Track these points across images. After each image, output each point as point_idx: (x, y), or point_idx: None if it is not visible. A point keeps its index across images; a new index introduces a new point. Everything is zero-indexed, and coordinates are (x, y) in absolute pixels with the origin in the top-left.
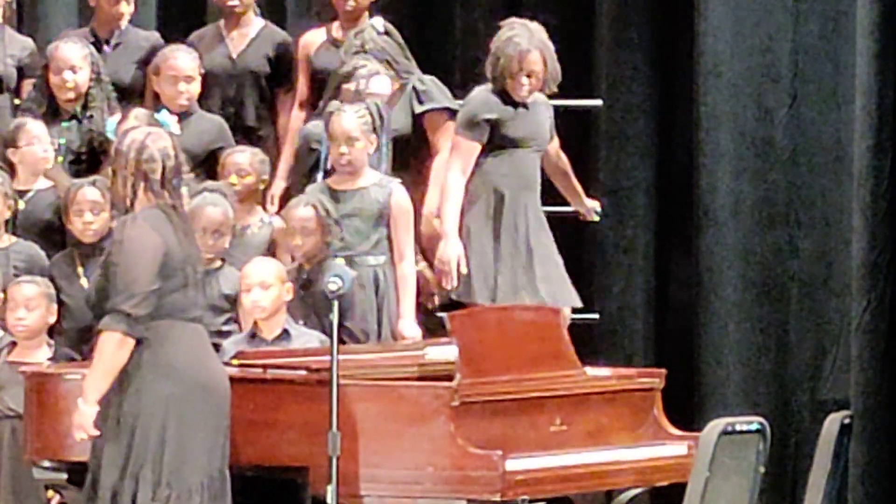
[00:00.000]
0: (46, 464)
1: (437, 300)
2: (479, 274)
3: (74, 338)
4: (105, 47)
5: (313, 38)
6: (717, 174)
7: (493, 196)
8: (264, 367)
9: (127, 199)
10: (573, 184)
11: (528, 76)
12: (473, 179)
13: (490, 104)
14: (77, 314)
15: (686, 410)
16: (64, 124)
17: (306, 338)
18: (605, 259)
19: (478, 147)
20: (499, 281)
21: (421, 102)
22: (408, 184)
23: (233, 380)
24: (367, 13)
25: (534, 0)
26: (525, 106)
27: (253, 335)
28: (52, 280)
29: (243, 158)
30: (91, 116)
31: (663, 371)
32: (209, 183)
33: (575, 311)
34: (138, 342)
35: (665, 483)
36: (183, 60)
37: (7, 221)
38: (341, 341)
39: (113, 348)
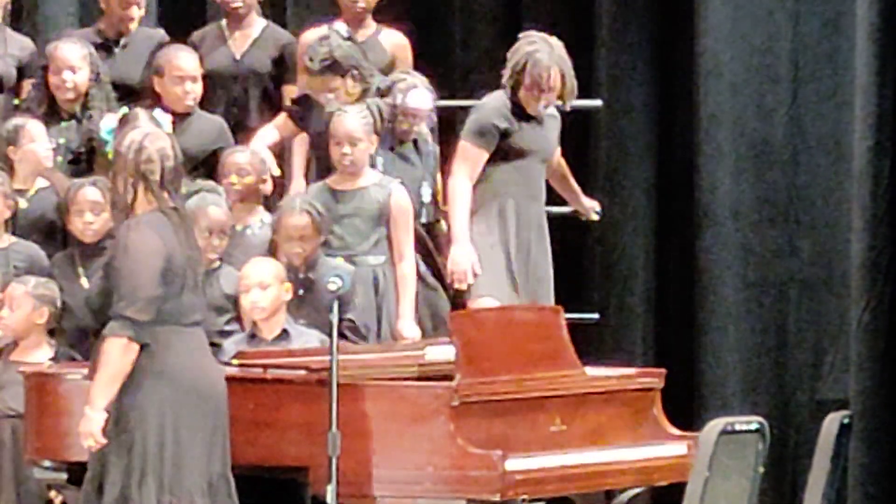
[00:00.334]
0: (46, 464)
1: None
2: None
3: (75, 338)
4: (115, 48)
5: (316, 37)
6: (717, 174)
7: (498, 205)
8: (264, 367)
9: (128, 201)
10: (572, 185)
11: (546, 92)
12: (479, 187)
13: (503, 113)
14: (77, 314)
15: (686, 410)
16: (63, 124)
17: (306, 337)
18: (605, 259)
19: (485, 155)
20: (498, 293)
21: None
22: None
23: (233, 380)
24: (370, 14)
25: (534, 1)
26: (537, 119)
27: (253, 335)
28: (52, 280)
29: (243, 158)
30: (90, 116)
31: (663, 371)
32: (204, 183)
33: (575, 310)
34: (141, 347)
35: (665, 483)
36: (187, 60)
37: (7, 221)
38: (343, 335)
39: (118, 354)
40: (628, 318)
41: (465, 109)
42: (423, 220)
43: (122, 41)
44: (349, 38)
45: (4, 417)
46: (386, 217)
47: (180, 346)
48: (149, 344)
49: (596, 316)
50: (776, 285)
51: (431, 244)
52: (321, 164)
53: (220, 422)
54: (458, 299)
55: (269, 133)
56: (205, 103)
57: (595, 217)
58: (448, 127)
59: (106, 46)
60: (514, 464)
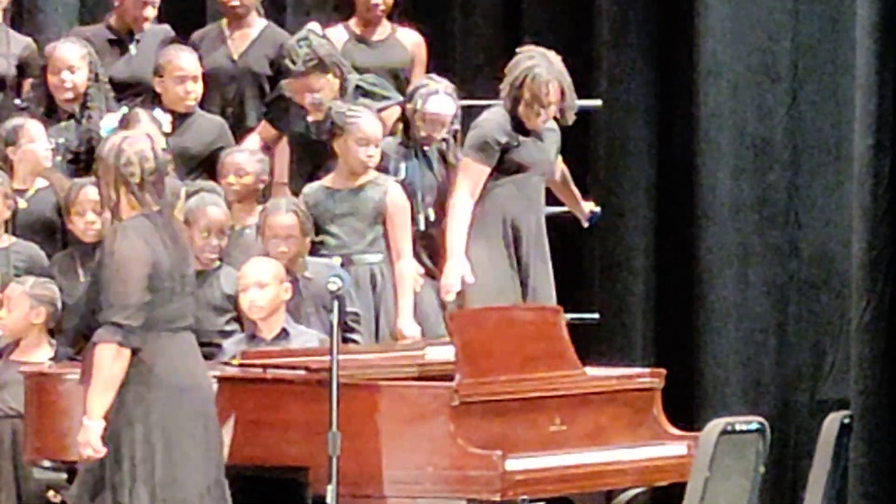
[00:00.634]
0: (46, 464)
1: None
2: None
3: (75, 338)
4: (129, 45)
5: (334, 36)
6: (717, 174)
7: (500, 220)
8: (264, 366)
9: (112, 205)
10: (572, 190)
11: (546, 107)
12: (480, 202)
13: (504, 128)
14: (77, 314)
15: (686, 410)
16: (62, 124)
17: (305, 337)
18: (605, 259)
19: (486, 170)
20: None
21: (372, 99)
22: None
23: (233, 380)
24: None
25: (534, 1)
26: (537, 133)
27: (252, 335)
28: (52, 280)
29: (242, 158)
30: (90, 116)
31: (663, 371)
32: (204, 183)
33: (575, 311)
34: (132, 353)
35: (665, 483)
36: (188, 60)
37: (7, 221)
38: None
39: (110, 360)
40: (628, 318)
41: (465, 109)
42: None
43: (136, 37)
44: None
45: (4, 417)
46: (383, 215)
47: (170, 351)
48: (139, 350)
49: (596, 316)
50: (776, 285)
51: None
52: (304, 165)
53: (212, 427)
54: None
55: (250, 141)
56: (202, 102)
57: (585, 225)
58: None
59: (119, 43)
60: (514, 464)
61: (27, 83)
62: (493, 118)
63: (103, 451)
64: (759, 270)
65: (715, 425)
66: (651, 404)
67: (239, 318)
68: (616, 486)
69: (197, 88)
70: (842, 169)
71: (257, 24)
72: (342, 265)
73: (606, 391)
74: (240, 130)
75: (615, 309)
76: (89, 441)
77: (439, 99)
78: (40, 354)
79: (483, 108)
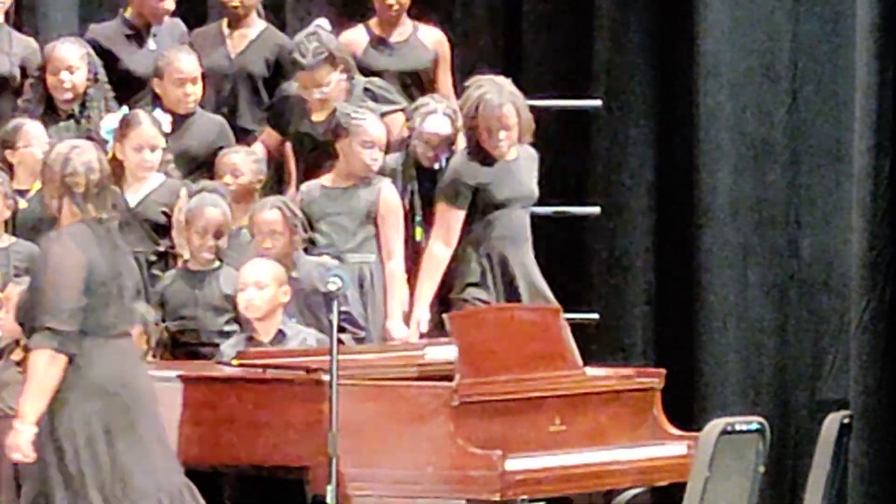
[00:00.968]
0: None
1: None
2: None
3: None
4: (149, 41)
5: (356, 38)
6: (717, 174)
7: (486, 259)
8: (264, 367)
9: (55, 212)
10: None
11: (508, 129)
12: (463, 244)
13: (470, 169)
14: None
15: (686, 410)
16: (62, 124)
17: (303, 335)
18: (605, 259)
19: (461, 214)
20: None
21: (376, 101)
22: None
23: (233, 380)
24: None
25: (533, 1)
26: (508, 164)
27: (250, 338)
28: None
29: (238, 159)
30: (89, 117)
31: (663, 371)
32: (206, 183)
33: (575, 311)
34: (69, 360)
35: (665, 483)
36: (187, 63)
37: (7, 221)
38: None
39: (44, 366)
40: (628, 318)
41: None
42: None
43: (153, 31)
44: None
45: (4, 417)
46: (375, 215)
47: (106, 357)
48: (75, 355)
49: (596, 316)
50: (776, 285)
51: None
52: (307, 164)
53: (156, 430)
54: None
55: (254, 149)
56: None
57: None
58: None
59: (136, 37)
60: (514, 464)
61: (27, 83)
62: (456, 161)
63: (33, 457)
64: (759, 270)
65: (715, 425)
66: (651, 404)
67: (238, 319)
68: (616, 486)
69: (196, 90)
70: (842, 169)
71: (256, 25)
72: None
73: (606, 391)
74: (234, 130)
75: (615, 309)
76: (19, 444)
77: (437, 119)
78: None
79: None
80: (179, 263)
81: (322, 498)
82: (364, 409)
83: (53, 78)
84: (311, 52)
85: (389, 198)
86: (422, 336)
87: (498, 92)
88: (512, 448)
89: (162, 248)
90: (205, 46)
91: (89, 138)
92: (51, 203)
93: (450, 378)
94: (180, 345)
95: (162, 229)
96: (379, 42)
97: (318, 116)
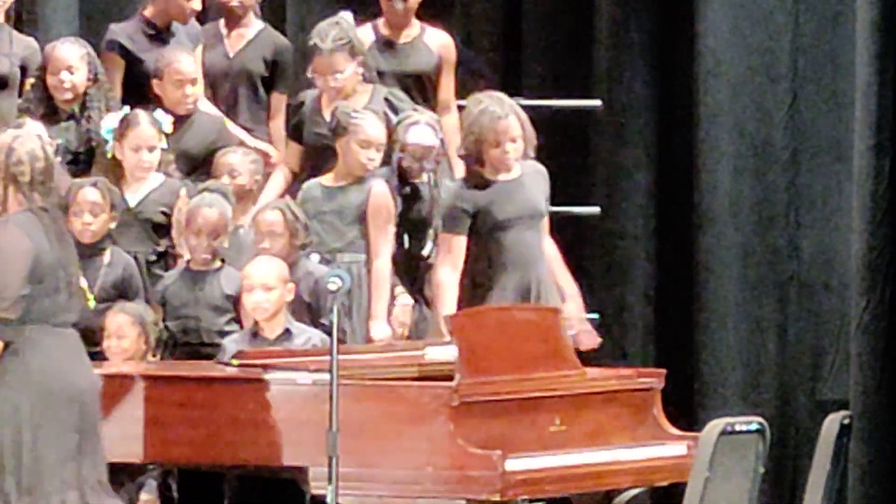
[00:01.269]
0: None
1: None
2: None
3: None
4: (172, 41)
5: (363, 37)
6: (717, 174)
7: (498, 281)
8: (264, 366)
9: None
10: None
11: (512, 142)
12: (475, 268)
13: (464, 195)
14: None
15: (686, 410)
16: (62, 125)
17: (308, 335)
18: (605, 259)
19: (462, 239)
20: None
21: (395, 113)
22: None
23: (232, 380)
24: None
25: (533, 1)
26: (507, 184)
27: (255, 334)
28: None
29: (236, 159)
30: (89, 117)
31: (663, 371)
32: (209, 183)
33: None
34: (5, 346)
35: (665, 483)
36: (187, 64)
37: None
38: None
39: None
40: (628, 318)
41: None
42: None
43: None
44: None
45: None
46: (363, 215)
47: (47, 346)
48: (13, 342)
49: (596, 316)
50: (776, 285)
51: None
52: (315, 162)
53: (88, 426)
54: None
55: (276, 181)
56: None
57: None
58: None
59: (158, 37)
60: (514, 464)
61: (27, 83)
62: (454, 186)
63: None
64: (759, 270)
65: (715, 425)
66: (651, 404)
67: (238, 318)
68: (616, 486)
69: (196, 91)
70: (842, 169)
71: (254, 24)
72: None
73: (606, 391)
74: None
75: (615, 309)
76: None
77: (420, 129)
78: None
79: None
80: (182, 263)
81: (322, 498)
82: (364, 409)
83: (54, 78)
84: (330, 38)
85: (379, 196)
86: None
87: (500, 105)
88: (512, 448)
89: (162, 248)
90: (203, 46)
91: (89, 139)
92: None
93: (450, 378)
94: (181, 344)
95: (162, 229)
96: (384, 43)
97: (328, 110)
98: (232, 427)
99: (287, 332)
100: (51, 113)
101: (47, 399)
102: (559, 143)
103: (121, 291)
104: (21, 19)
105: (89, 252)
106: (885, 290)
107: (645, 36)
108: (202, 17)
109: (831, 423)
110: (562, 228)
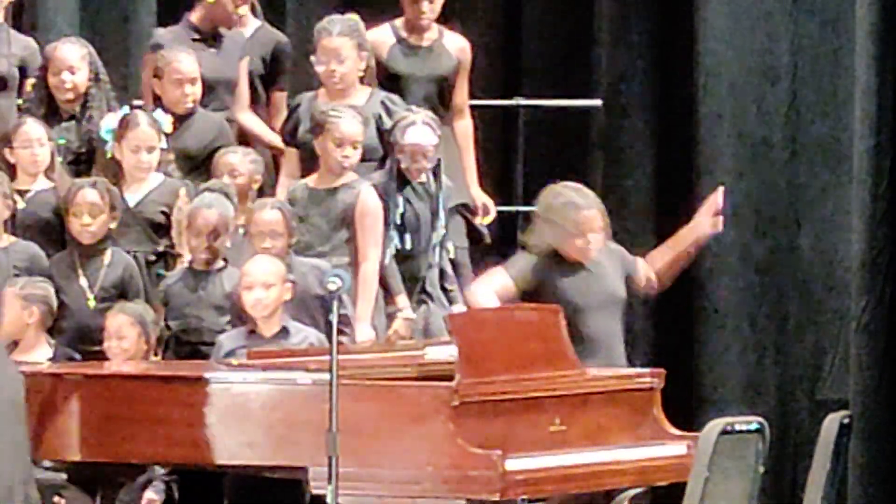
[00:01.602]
0: (47, 463)
1: None
2: None
3: (74, 337)
4: (214, 44)
5: (382, 38)
6: (717, 174)
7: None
8: (264, 367)
9: None
10: (674, 254)
11: (595, 233)
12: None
13: (543, 263)
14: (77, 314)
15: (686, 410)
16: (63, 125)
17: (304, 334)
18: None
19: (511, 284)
20: None
21: (390, 116)
22: None
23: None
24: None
25: (533, 1)
26: (585, 267)
27: (251, 332)
28: (51, 280)
29: (235, 159)
30: (90, 117)
31: (663, 371)
32: (211, 182)
33: None
34: None
35: (665, 483)
36: (186, 63)
37: (7, 221)
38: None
39: None
40: (628, 318)
41: None
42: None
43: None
44: None
45: None
46: (351, 219)
47: None
48: None
49: None
50: (776, 285)
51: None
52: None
53: (14, 432)
54: None
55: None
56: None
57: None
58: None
59: (204, 42)
60: (514, 464)
61: (28, 84)
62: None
63: None
64: (759, 270)
65: (714, 425)
66: (651, 404)
67: (239, 318)
68: (616, 486)
69: (195, 91)
70: (842, 169)
71: (251, 23)
72: None
73: (606, 391)
74: (233, 129)
75: None
76: None
77: (416, 130)
78: (39, 354)
79: (482, 107)
80: (184, 262)
81: (322, 498)
82: (364, 409)
83: (55, 78)
84: (338, 24)
85: (368, 201)
86: None
87: (583, 197)
88: (512, 448)
89: (161, 248)
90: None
91: (90, 139)
92: None
93: (450, 378)
94: (182, 344)
95: (161, 229)
96: (405, 45)
97: (324, 100)
98: (231, 427)
99: (284, 330)
100: (52, 113)
101: None
102: (559, 143)
103: (121, 291)
104: (21, 19)
105: (89, 252)
106: (885, 290)
107: (645, 36)
108: None
109: (831, 423)
110: None
